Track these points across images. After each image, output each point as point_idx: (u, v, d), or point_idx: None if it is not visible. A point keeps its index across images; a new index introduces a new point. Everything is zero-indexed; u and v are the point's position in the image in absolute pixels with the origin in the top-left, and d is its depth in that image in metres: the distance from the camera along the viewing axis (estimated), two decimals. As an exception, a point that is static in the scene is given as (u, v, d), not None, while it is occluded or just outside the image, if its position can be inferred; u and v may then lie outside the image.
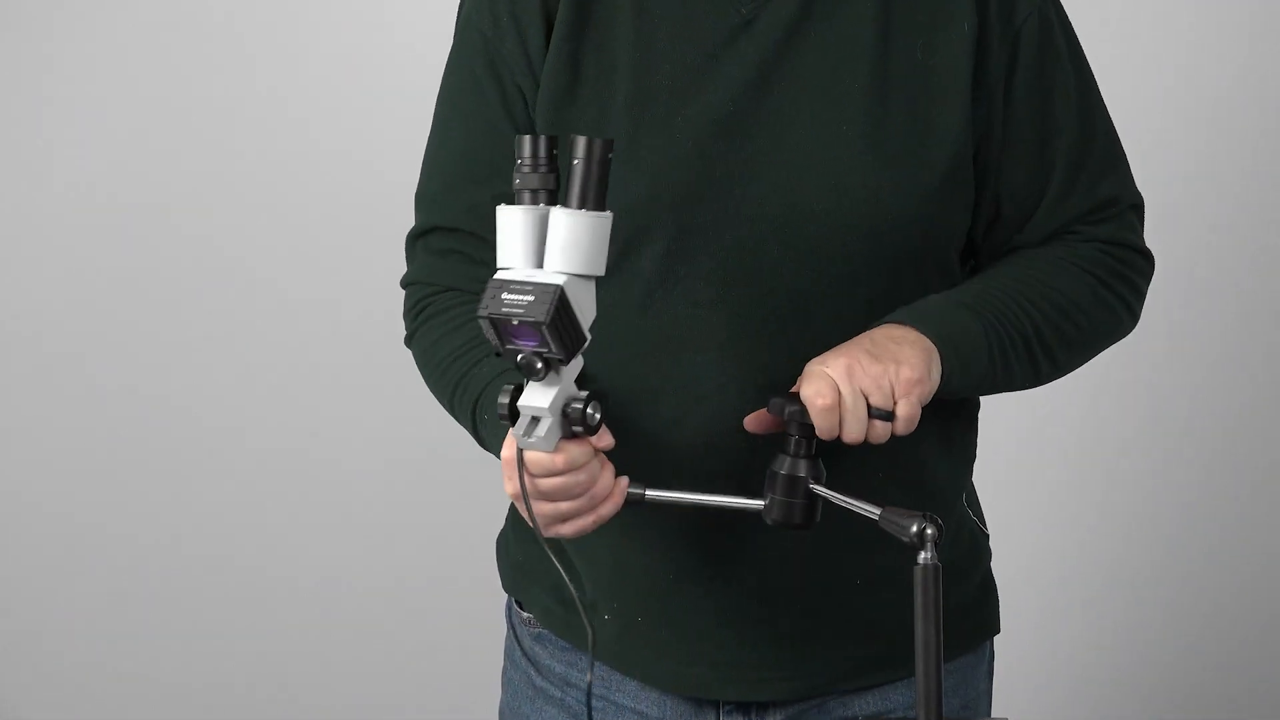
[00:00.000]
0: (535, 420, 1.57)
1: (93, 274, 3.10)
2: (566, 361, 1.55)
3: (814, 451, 1.62)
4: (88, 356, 3.12)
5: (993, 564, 1.90)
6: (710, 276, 1.70)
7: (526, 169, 1.56)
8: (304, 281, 3.10)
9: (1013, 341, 1.71)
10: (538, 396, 1.56)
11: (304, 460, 3.14)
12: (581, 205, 1.55)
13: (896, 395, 1.61)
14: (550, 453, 1.57)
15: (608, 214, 1.56)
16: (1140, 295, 1.82)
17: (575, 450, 1.58)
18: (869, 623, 1.78)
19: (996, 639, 1.91)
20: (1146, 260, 1.83)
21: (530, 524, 1.62)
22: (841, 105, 1.70)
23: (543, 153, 1.56)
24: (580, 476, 1.59)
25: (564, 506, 1.61)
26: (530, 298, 1.51)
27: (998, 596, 1.90)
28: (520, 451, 1.58)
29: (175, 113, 3.06)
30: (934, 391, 1.64)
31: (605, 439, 1.61)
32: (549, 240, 1.55)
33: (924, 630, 1.53)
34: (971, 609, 1.86)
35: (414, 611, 3.16)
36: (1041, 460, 3.04)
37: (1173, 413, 3.03)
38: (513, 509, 1.91)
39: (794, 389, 1.64)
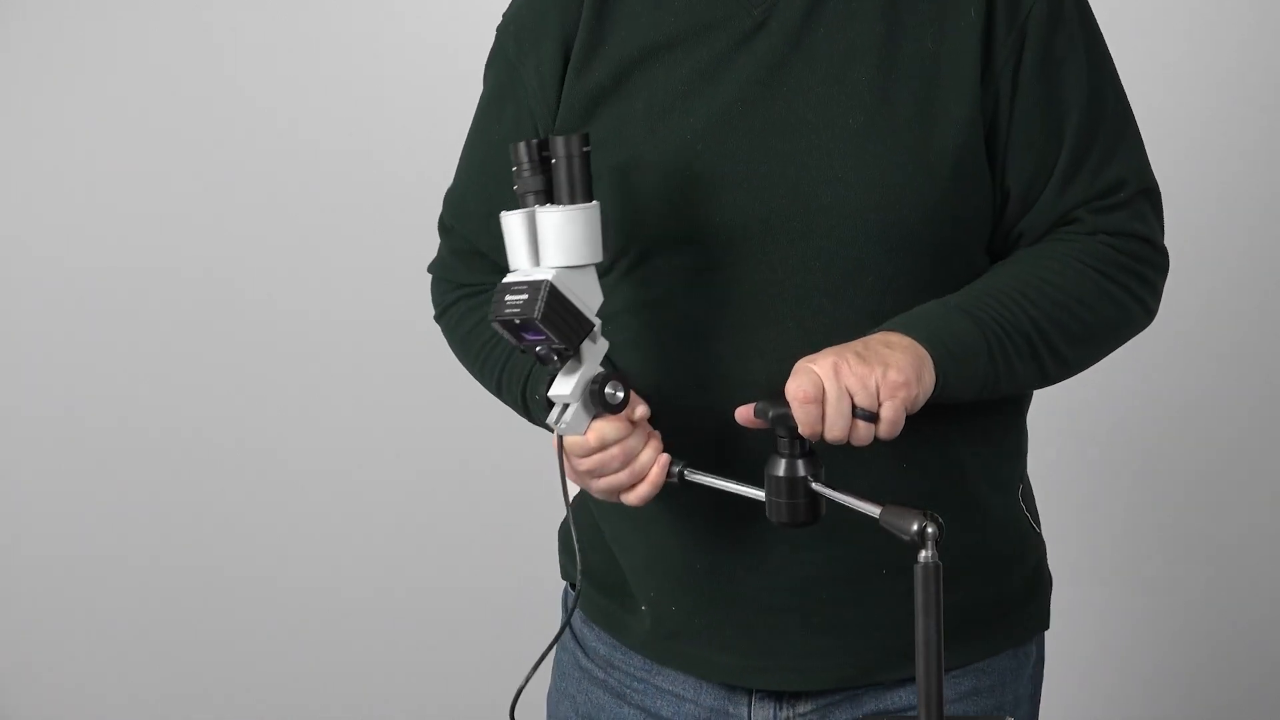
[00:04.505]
0: (565, 407, 1.67)
1: (95, 278, 3.14)
2: (574, 349, 1.62)
3: (809, 449, 1.61)
4: (91, 364, 3.17)
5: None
6: (727, 270, 1.71)
7: (525, 173, 1.66)
8: (321, 289, 3.13)
9: (1013, 340, 1.68)
10: (562, 385, 1.66)
11: (317, 470, 3.18)
12: (567, 200, 1.65)
13: (881, 397, 1.59)
14: (583, 435, 1.66)
15: (593, 204, 1.65)
16: (1151, 286, 1.76)
17: (606, 428, 1.67)
18: (900, 614, 1.72)
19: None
20: (1157, 251, 1.77)
21: (564, 503, 1.74)
22: (849, 97, 1.69)
23: (535, 157, 1.66)
24: (614, 451, 1.68)
25: (610, 481, 1.69)
26: (524, 296, 1.60)
27: (1049, 593, 1.87)
28: (559, 436, 1.67)
29: (181, 119, 3.10)
30: (925, 397, 1.62)
31: (638, 409, 1.68)
32: (540, 238, 1.65)
33: (924, 628, 1.51)
34: (1017, 603, 1.84)
35: (465, 599, 3.19)
36: (1084, 455, 2.96)
37: (1220, 410, 2.94)
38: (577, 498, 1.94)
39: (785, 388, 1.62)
